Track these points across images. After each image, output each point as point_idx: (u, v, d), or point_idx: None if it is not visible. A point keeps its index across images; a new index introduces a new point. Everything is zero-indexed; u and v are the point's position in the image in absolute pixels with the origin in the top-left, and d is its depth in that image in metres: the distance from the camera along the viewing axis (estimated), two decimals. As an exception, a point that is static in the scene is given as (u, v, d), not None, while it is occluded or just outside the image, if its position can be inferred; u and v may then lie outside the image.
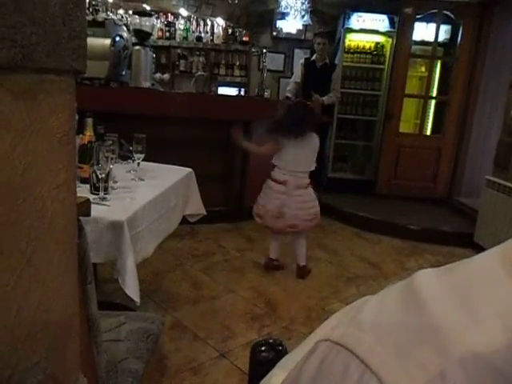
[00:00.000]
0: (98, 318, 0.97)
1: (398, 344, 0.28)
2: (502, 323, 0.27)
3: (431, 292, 0.30)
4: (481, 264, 0.33)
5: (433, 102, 5.38)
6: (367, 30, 5.11)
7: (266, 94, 5.08)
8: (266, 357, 0.51)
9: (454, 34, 5.08)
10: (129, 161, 2.17)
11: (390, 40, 5.12)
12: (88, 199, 0.86)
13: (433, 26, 4.96)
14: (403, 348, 0.28)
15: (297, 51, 5.85)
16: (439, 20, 4.89)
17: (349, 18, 5.08)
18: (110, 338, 1.28)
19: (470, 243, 3.80)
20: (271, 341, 0.54)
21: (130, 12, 5.07)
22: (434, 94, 5.35)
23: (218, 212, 3.67)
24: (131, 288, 1.48)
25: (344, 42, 5.15)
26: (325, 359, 0.31)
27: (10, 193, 0.57)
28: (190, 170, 2.38)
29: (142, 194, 1.80)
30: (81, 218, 0.83)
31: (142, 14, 4.15)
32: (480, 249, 3.64)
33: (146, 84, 3.78)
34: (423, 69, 5.46)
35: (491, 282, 0.29)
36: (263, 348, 0.52)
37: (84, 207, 0.83)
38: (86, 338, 0.94)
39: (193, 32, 5.81)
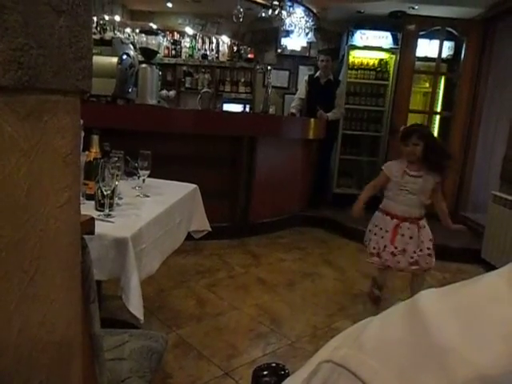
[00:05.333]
0: (101, 336, 0.96)
1: (401, 366, 0.28)
2: (508, 346, 0.26)
3: (435, 313, 0.29)
4: (487, 285, 0.32)
5: (437, 117, 5.39)
6: (371, 46, 5.18)
7: (271, 111, 5.12)
8: (268, 382, 0.49)
9: (457, 50, 5.13)
10: (134, 177, 2.18)
11: (394, 56, 5.16)
12: (92, 218, 0.86)
13: (436, 42, 5.00)
14: (406, 370, 0.27)
15: (301, 68, 5.91)
16: (442, 36, 4.93)
17: (352, 35, 5.15)
18: (113, 357, 1.27)
19: (477, 259, 3.75)
20: (274, 365, 0.53)
21: (137, 31, 5.17)
22: (439, 109, 5.37)
23: (222, 228, 3.67)
24: (135, 306, 1.47)
25: (348, 59, 5.20)
26: (327, 381, 0.30)
27: (14, 212, 0.57)
28: (195, 186, 2.38)
29: (147, 210, 1.80)
30: (85, 236, 0.83)
31: (149, 32, 4.22)
32: (487, 265, 3.60)
33: (152, 101, 3.83)
34: (427, 84, 5.48)
35: (498, 304, 0.29)
36: (265, 372, 0.51)
37: (88, 226, 0.83)
38: (89, 357, 0.93)
39: (198, 50, 5.91)
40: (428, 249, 2.61)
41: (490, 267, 3.53)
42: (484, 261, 3.70)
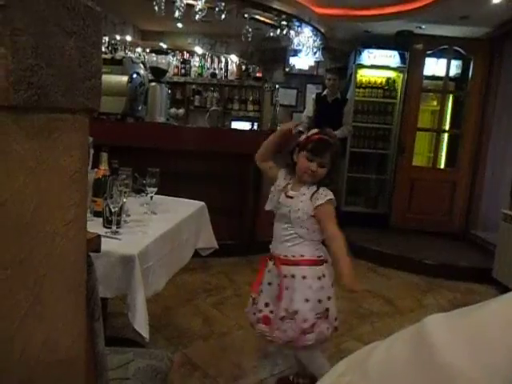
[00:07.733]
0: (105, 355, 0.95)
1: None
2: None
3: (443, 337, 0.29)
4: (496, 310, 0.31)
5: (446, 135, 5.38)
6: (378, 65, 5.21)
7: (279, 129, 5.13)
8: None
9: (465, 68, 5.14)
10: (142, 194, 2.19)
11: (401, 75, 5.19)
12: (98, 235, 0.86)
13: (444, 61, 5.03)
14: None
15: (309, 86, 5.96)
16: (450, 55, 4.96)
17: (360, 54, 5.19)
18: (117, 377, 1.25)
19: (488, 279, 3.69)
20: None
21: (148, 50, 5.26)
22: (447, 127, 5.36)
23: (229, 246, 3.65)
24: (140, 324, 1.46)
25: (355, 78, 5.24)
26: None
27: (20, 230, 0.57)
28: (202, 203, 2.39)
29: (154, 227, 1.80)
30: (91, 253, 0.83)
31: (159, 52, 4.30)
32: (499, 285, 3.53)
33: (161, 119, 3.87)
34: (435, 103, 5.49)
35: (506, 330, 0.28)
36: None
37: (94, 243, 0.83)
38: (93, 376, 0.92)
39: (207, 68, 5.99)
40: (287, 312, 1.71)
41: (501, 287, 3.46)
42: (495, 280, 3.63)
